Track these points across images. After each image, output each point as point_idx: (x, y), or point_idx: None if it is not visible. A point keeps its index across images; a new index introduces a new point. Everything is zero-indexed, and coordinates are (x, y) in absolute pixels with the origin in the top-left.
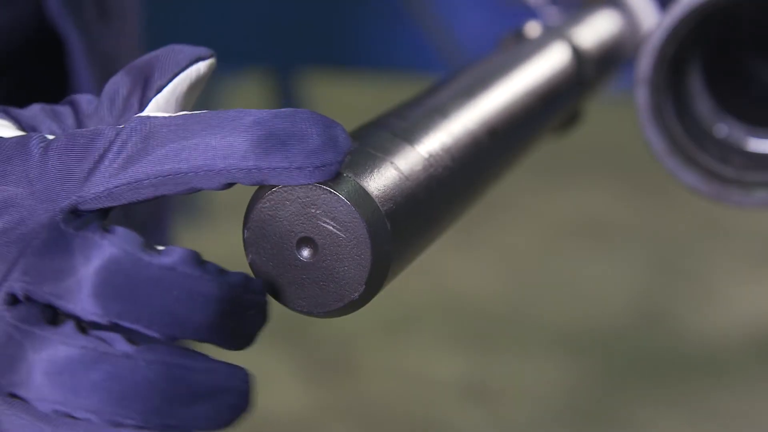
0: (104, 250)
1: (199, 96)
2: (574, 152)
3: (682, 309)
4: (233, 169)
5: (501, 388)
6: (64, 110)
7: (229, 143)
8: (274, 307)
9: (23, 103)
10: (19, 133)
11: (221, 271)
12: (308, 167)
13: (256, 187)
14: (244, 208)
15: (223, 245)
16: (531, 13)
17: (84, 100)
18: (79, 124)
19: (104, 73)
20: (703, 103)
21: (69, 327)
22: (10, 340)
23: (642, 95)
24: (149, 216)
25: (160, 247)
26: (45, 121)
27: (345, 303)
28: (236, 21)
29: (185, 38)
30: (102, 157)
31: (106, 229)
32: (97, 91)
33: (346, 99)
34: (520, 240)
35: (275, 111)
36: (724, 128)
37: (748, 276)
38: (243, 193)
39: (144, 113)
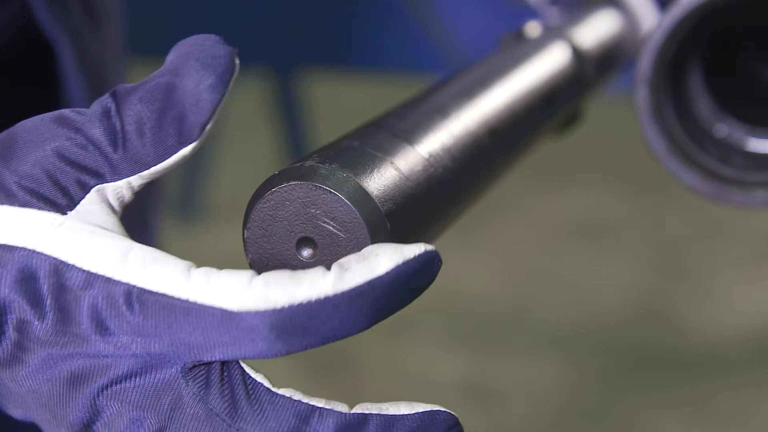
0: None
1: None
2: (574, 152)
3: (682, 309)
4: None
5: (501, 388)
6: (83, 155)
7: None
8: None
9: (11, 109)
10: (64, 223)
11: None
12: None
13: (257, 187)
14: (244, 208)
15: (223, 245)
16: (531, 13)
17: (93, 126)
18: (112, 167)
19: (93, 78)
20: (703, 103)
21: None
22: None
23: (642, 95)
24: (136, 218)
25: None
26: (72, 183)
27: None
28: (236, 21)
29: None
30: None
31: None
32: (87, 96)
33: (346, 99)
34: (520, 240)
35: None
36: (724, 128)
37: (748, 276)
38: (243, 193)
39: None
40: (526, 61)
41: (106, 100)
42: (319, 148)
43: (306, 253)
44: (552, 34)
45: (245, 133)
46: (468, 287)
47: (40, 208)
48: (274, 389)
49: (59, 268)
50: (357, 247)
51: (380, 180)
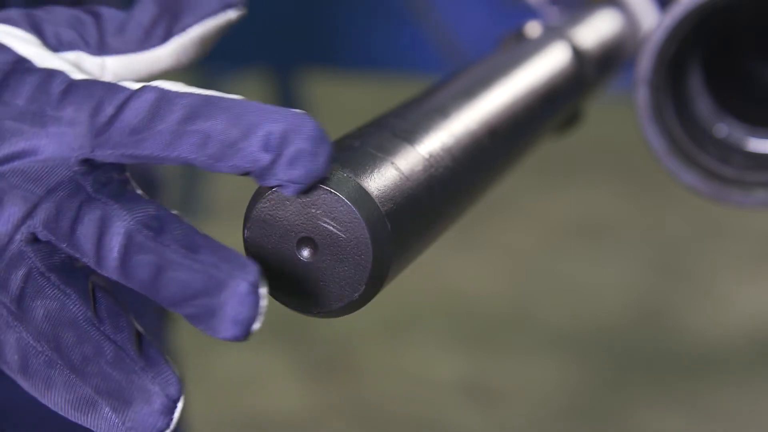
0: (123, 225)
1: None
2: (574, 152)
3: (682, 309)
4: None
5: (501, 388)
6: (88, 22)
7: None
8: (274, 306)
9: None
10: (41, 49)
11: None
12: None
13: (257, 187)
14: (245, 208)
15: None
16: (531, 13)
17: (108, 15)
18: (102, 44)
19: None
20: (703, 103)
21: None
22: (29, 279)
23: (642, 95)
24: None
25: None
26: (67, 34)
27: (345, 303)
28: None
29: None
30: (113, 118)
31: (124, 192)
32: None
33: (346, 99)
34: (521, 240)
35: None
36: (724, 128)
37: (748, 276)
38: (243, 193)
39: (157, 83)
40: (527, 61)
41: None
42: None
43: (306, 253)
44: (552, 34)
45: None
46: (468, 287)
47: (31, 32)
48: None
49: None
50: (357, 247)
51: (380, 180)
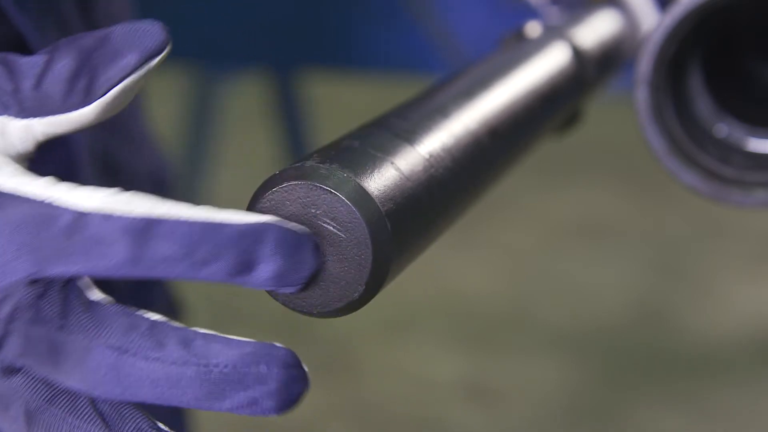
0: (111, 351)
1: (198, 96)
2: (574, 152)
3: (682, 309)
4: None
5: (501, 388)
6: (3, 87)
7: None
8: (275, 306)
9: None
10: None
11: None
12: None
13: (257, 187)
14: (245, 207)
15: None
16: (531, 13)
17: (20, 65)
18: (22, 105)
19: None
20: (703, 103)
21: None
22: (33, 418)
23: (642, 95)
24: None
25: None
26: None
27: (345, 303)
28: (236, 21)
29: (185, 38)
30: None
31: (96, 307)
32: None
33: (346, 99)
34: (520, 240)
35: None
36: (724, 128)
37: (748, 276)
38: (243, 193)
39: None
40: (527, 61)
41: (48, 47)
42: (320, 148)
43: None
44: (552, 34)
45: (245, 133)
46: (468, 287)
47: None
48: (110, 303)
49: None
50: (357, 247)
51: (380, 180)
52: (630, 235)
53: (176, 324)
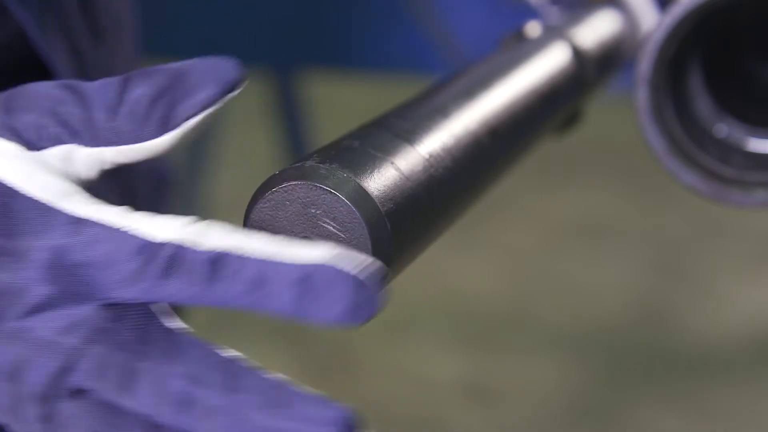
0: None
1: None
2: (574, 152)
3: (682, 309)
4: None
5: (501, 388)
6: (71, 104)
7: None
8: None
9: None
10: (23, 162)
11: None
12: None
13: (257, 187)
14: (244, 208)
15: None
16: (531, 13)
17: (94, 93)
18: (94, 133)
19: None
20: (703, 103)
21: None
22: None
23: (642, 95)
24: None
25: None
26: (51, 125)
27: None
28: (236, 21)
29: (185, 38)
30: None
31: (171, 336)
32: None
33: (346, 99)
34: (520, 240)
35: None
36: (724, 128)
37: (748, 276)
38: (243, 193)
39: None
40: (527, 61)
41: (118, 77)
42: (320, 148)
43: None
44: (552, 34)
45: (245, 133)
46: (468, 287)
47: (7, 138)
48: (187, 332)
49: (4, 191)
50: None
51: (380, 180)
52: (630, 235)
53: (250, 364)
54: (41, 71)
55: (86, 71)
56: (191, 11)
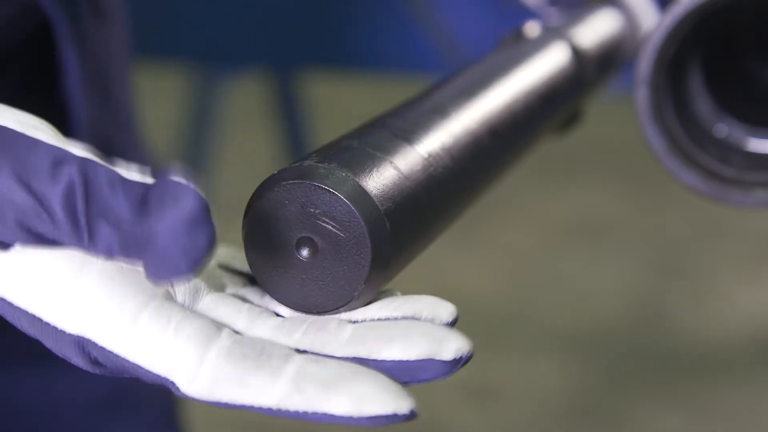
0: None
1: (198, 96)
2: (574, 152)
3: (682, 309)
4: None
5: (501, 388)
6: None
7: None
8: None
9: (24, 103)
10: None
11: None
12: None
13: (256, 187)
14: (244, 208)
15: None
16: (531, 13)
17: None
18: None
19: (95, 70)
20: (703, 103)
21: None
22: None
23: (642, 95)
24: None
25: None
26: None
27: (345, 303)
28: (235, 21)
29: (185, 38)
30: None
31: None
32: (89, 87)
33: (346, 99)
34: (520, 240)
35: None
36: (724, 128)
37: (748, 276)
38: (243, 193)
39: None
40: (526, 61)
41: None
42: (319, 148)
43: (305, 252)
44: (552, 34)
45: (245, 133)
46: (468, 287)
47: None
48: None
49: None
50: (357, 247)
51: (379, 179)
52: (630, 235)
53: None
54: (45, 51)
55: (84, 39)
56: (191, 11)
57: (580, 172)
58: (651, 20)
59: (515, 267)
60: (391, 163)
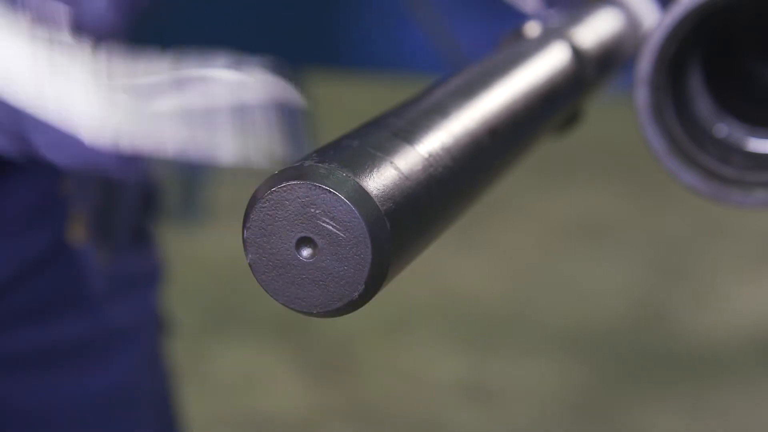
0: None
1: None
2: (574, 152)
3: (682, 309)
4: None
5: (501, 388)
6: None
7: None
8: (275, 306)
9: None
10: None
11: None
12: None
13: (256, 187)
14: (244, 208)
15: (223, 246)
16: (530, 15)
17: None
18: None
19: None
20: (703, 103)
21: None
22: None
23: (642, 95)
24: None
25: None
26: None
27: (345, 303)
28: (235, 21)
29: (185, 38)
30: None
31: None
32: None
33: (346, 99)
34: (520, 240)
35: None
36: (724, 128)
37: (749, 276)
38: (242, 193)
39: None
40: (526, 61)
41: None
42: (319, 148)
43: (306, 252)
44: (552, 33)
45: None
46: (468, 287)
47: None
48: None
49: None
50: (357, 247)
51: (380, 179)
52: (630, 235)
53: None
54: None
55: None
56: (191, 11)
57: (580, 172)
58: (651, 20)
59: (515, 267)
60: (391, 163)
